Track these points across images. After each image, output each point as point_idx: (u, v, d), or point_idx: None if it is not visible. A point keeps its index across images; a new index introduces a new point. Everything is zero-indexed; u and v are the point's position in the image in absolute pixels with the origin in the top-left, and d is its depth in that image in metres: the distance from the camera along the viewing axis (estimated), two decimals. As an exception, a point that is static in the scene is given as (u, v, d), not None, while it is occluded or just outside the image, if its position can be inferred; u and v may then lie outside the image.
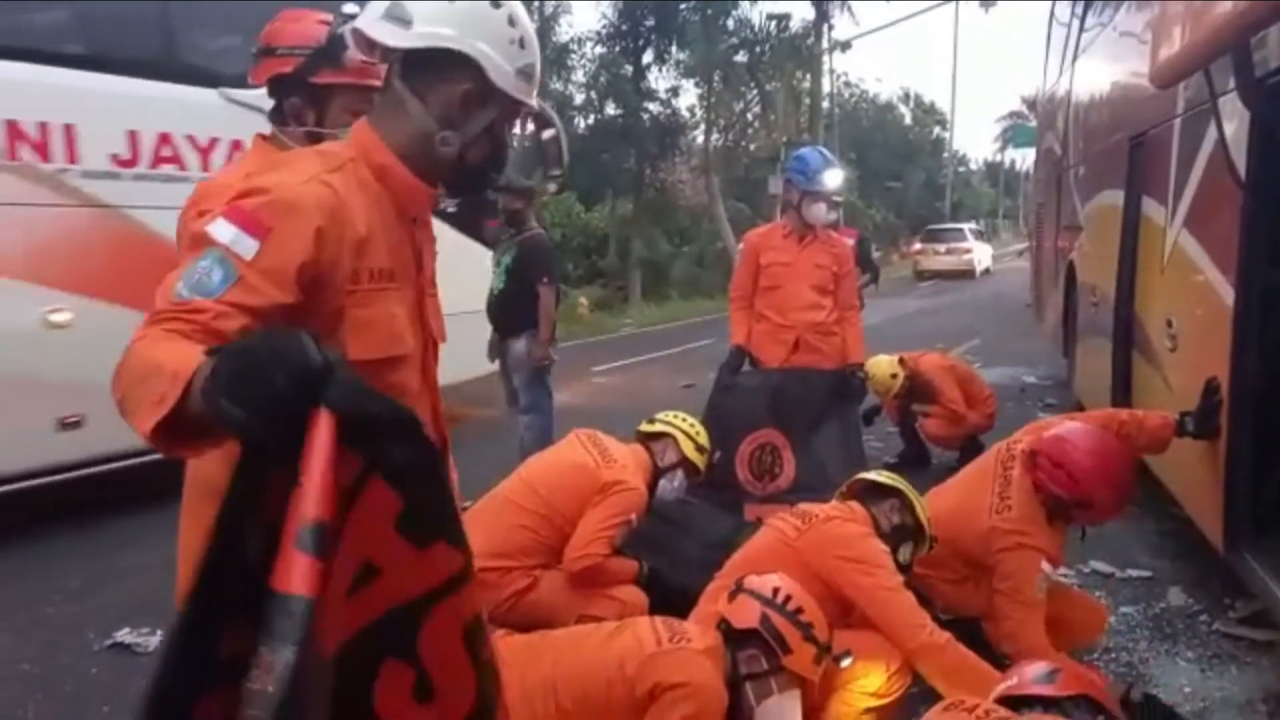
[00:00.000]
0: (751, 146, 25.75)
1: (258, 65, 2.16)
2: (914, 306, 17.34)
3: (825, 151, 4.72)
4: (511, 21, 1.40)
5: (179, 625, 0.96)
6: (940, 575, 3.03)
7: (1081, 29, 6.73)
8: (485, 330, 5.21)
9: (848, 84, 37.13)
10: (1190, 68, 2.69)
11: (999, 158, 56.64)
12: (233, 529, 0.98)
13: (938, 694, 2.36)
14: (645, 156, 21.66)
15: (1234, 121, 2.93)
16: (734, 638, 2.30)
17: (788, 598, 2.32)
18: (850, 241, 5.91)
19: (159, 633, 3.50)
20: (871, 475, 2.98)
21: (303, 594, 0.91)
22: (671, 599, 2.92)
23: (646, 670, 2.15)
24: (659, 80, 22.23)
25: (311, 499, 0.94)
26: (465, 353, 5.10)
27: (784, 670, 2.25)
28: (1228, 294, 2.97)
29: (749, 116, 25.12)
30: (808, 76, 24.84)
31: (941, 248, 26.31)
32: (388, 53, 1.40)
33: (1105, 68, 5.64)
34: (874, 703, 2.45)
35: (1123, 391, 4.61)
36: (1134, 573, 3.92)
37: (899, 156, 39.09)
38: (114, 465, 4.68)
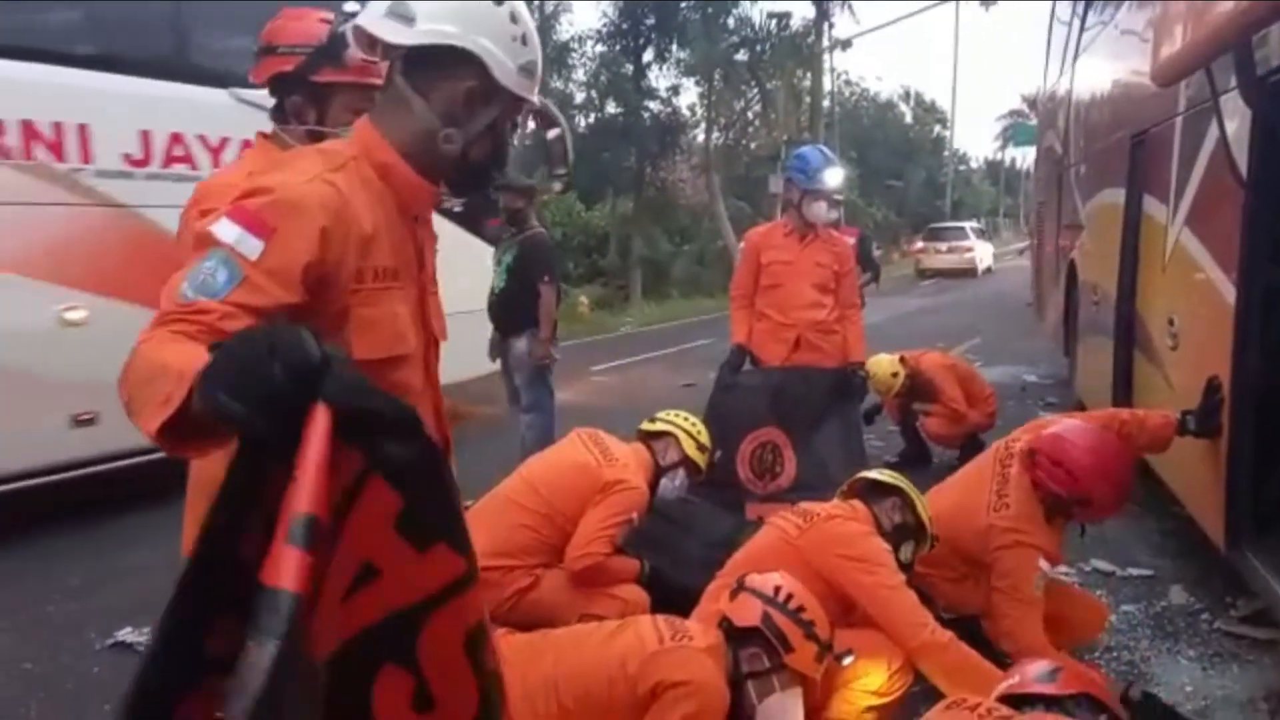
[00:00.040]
0: (752, 145, 25.75)
1: (259, 63, 2.16)
2: (915, 305, 17.33)
3: (826, 150, 4.72)
4: (514, 18, 1.40)
5: (166, 619, 0.94)
6: (939, 574, 3.03)
7: (1082, 28, 6.73)
8: (486, 329, 5.21)
9: (848, 82, 37.17)
10: (1192, 66, 2.69)
11: (999, 156, 56.66)
12: (227, 525, 0.97)
13: (939, 693, 2.36)
14: (646, 155, 21.67)
15: (1235, 120, 2.93)
16: (736, 636, 2.30)
17: (789, 596, 2.32)
18: (851, 240, 5.91)
19: (160, 632, 3.50)
20: (873, 474, 2.98)
21: (290, 589, 0.90)
22: (673, 598, 2.91)
23: (648, 669, 2.15)
24: (659, 79, 22.27)
25: (304, 493, 0.93)
26: (466, 352, 5.12)
27: (786, 668, 2.25)
28: (1229, 292, 2.97)
29: (749, 115, 25.12)
30: (808, 75, 24.82)
31: (943, 246, 26.37)
32: (389, 50, 1.39)
33: (1106, 66, 5.64)
34: (876, 701, 2.45)
35: (1124, 390, 4.61)
36: (1135, 571, 3.92)
37: (899, 155, 39.07)
38: (121, 463, 4.71)
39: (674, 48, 21.11)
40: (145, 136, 4.81)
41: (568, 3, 23.12)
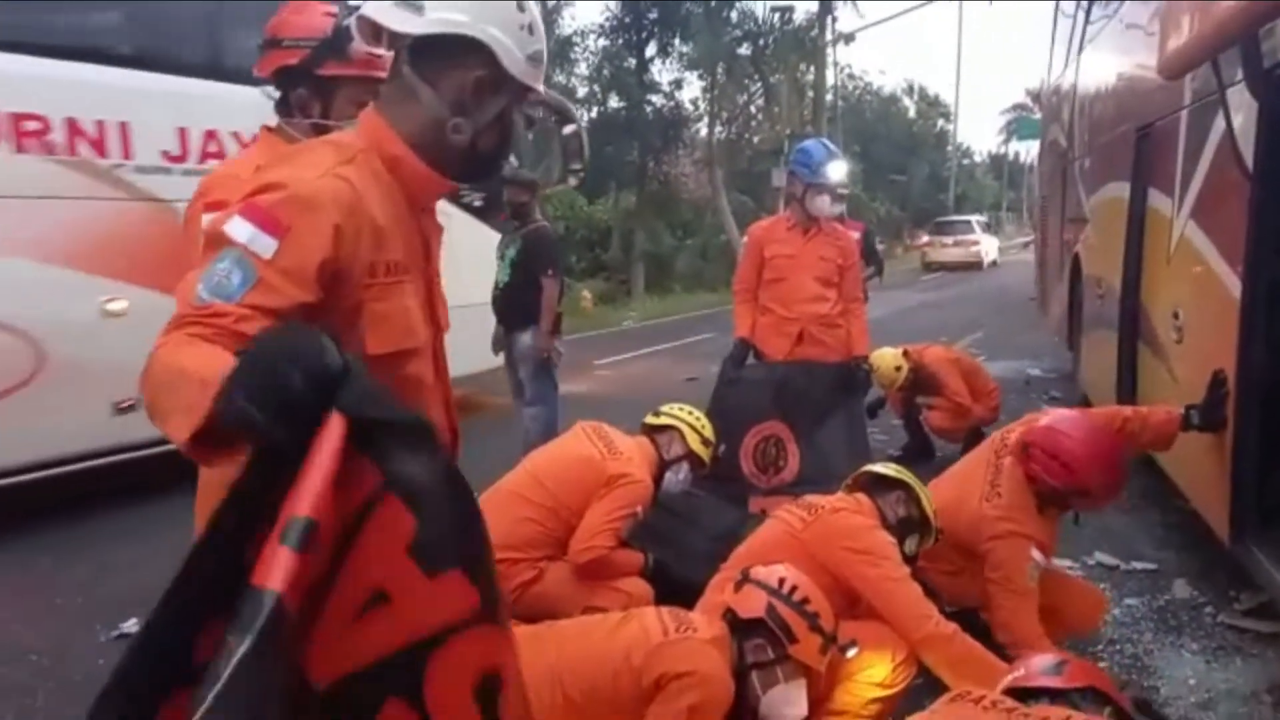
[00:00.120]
0: (755, 139, 25.69)
1: (264, 57, 2.17)
2: (918, 299, 17.31)
3: (829, 144, 4.71)
4: (521, 7, 1.40)
5: (156, 617, 0.93)
6: (937, 567, 3.03)
7: (1087, 21, 6.70)
8: (491, 322, 5.22)
9: (851, 76, 36.99)
10: (1198, 59, 2.68)
11: (1003, 150, 56.51)
12: (233, 530, 0.96)
13: (943, 685, 2.37)
14: (648, 149, 21.64)
15: (1242, 112, 2.92)
16: (740, 627, 2.30)
17: (794, 588, 2.32)
18: (855, 234, 5.90)
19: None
20: (877, 467, 2.99)
21: (274, 588, 0.89)
22: (677, 591, 2.92)
23: (653, 660, 2.15)
24: (662, 73, 22.24)
25: (306, 496, 0.93)
26: (480, 344, 5.19)
27: (790, 660, 2.26)
28: (1234, 286, 2.96)
29: (752, 109, 25.08)
30: (811, 69, 24.74)
31: (949, 240, 26.58)
32: (395, 40, 1.39)
33: (1111, 59, 5.62)
34: (880, 693, 2.45)
35: (1128, 384, 4.60)
36: (1139, 565, 3.92)
37: (903, 149, 38.95)
38: (156, 450, 4.75)
39: (677, 42, 21.08)
40: (182, 134, 5.00)
41: (571, -3, 23.11)
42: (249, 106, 2.21)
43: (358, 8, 1.52)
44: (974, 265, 25.52)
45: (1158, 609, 3.52)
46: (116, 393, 4.61)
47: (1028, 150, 39.09)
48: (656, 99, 22.06)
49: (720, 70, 21.81)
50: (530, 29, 1.40)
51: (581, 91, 22.30)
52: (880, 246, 9.94)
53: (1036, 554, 2.80)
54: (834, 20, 23.96)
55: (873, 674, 2.46)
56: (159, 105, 4.91)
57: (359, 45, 1.91)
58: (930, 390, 5.55)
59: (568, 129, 1.65)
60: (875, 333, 5.02)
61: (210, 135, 5.06)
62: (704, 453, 3.39)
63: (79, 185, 4.65)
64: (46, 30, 4.60)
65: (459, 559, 1.05)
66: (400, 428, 1.03)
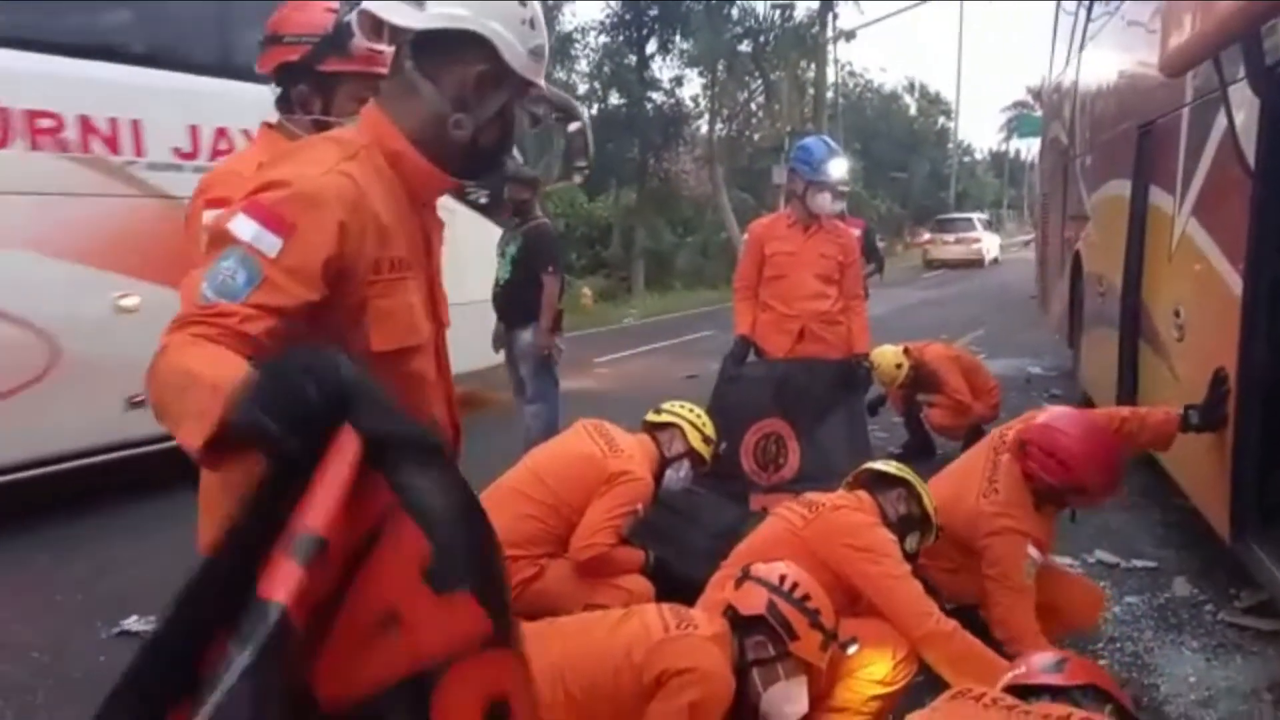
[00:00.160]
0: (756, 136, 25.66)
1: (265, 53, 2.16)
2: (919, 297, 17.31)
3: (830, 141, 4.70)
4: (522, 2, 1.39)
5: (165, 624, 0.93)
6: (936, 564, 3.03)
7: (1088, 18, 6.69)
8: (492, 319, 5.22)
9: (852, 74, 36.94)
10: (1200, 56, 2.68)
11: (1004, 148, 56.53)
12: (247, 539, 0.95)
13: (944, 682, 2.37)
14: (649, 146, 21.62)
15: (1243, 110, 2.91)
16: (741, 624, 2.30)
17: (794, 585, 2.32)
18: (856, 232, 5.90)
19: (166, 621, 3.51)
20: (878, 465, 2.99)
21: (279, 601, 0.89)
22: (678, 588, 2.91)
23: (654, 657, 2.15)
24: (663, 70, 22.22)
25: (317, 511, 0.93)
26: (472, 341, 5.18)
27: (791, 657, 2.26)
28: (1236, 283, 2.96)
29: (753, 106, 25.06)
30: (812, 66, 24.73)
31: (951, 237, 26.70)
32: (397, 35, 1.38)
33: (1113, 56, 5.61)
34: (880, 690, 2.45)
35: (1129, 382, 4.60)
36: (1139, 563, 3.92)
37: (903, 147, 38.93)
38: (131, 452, 4.86)
39: (677, 38, 21.05)
40: (193, 131, 5.04)
41: (571, -6, 23.08)
42: (259, 104, 2.23)
43: (359, 3, 1.52)
44: (975, 262, 25.58)
45: (1158, 607, 3.52)
46: (129, 388, 4.60)
47: (1028, 148, 39.19)
48: (657, 96, 22.04)
49: (721, 67, 21.79)
50: (532, 24, 1.40)
51: (582, 88, 22.28)
52: (881, 244, 9.95)
53: (1033, 551, 2.80)
54: (835, 17, 23.98)
55: (873, 671, 2.46)
56: (170, 103, 4.97)
57: (360, 41, 1.91)
58: (931, 388, 5.55)
59: (573, 126, 1.65)
60: (876, 330, 5.02)
61: (221, 133, 5.11)
62: (705, 450, 3.39)
63: (92, 182, 4.70)
64: (60, 28, 4.64)
65: (470, 581, 1.04)
66: (413, 445, 1.03)
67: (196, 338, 1.11)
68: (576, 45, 21.72)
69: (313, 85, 2.09)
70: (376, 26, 1.39)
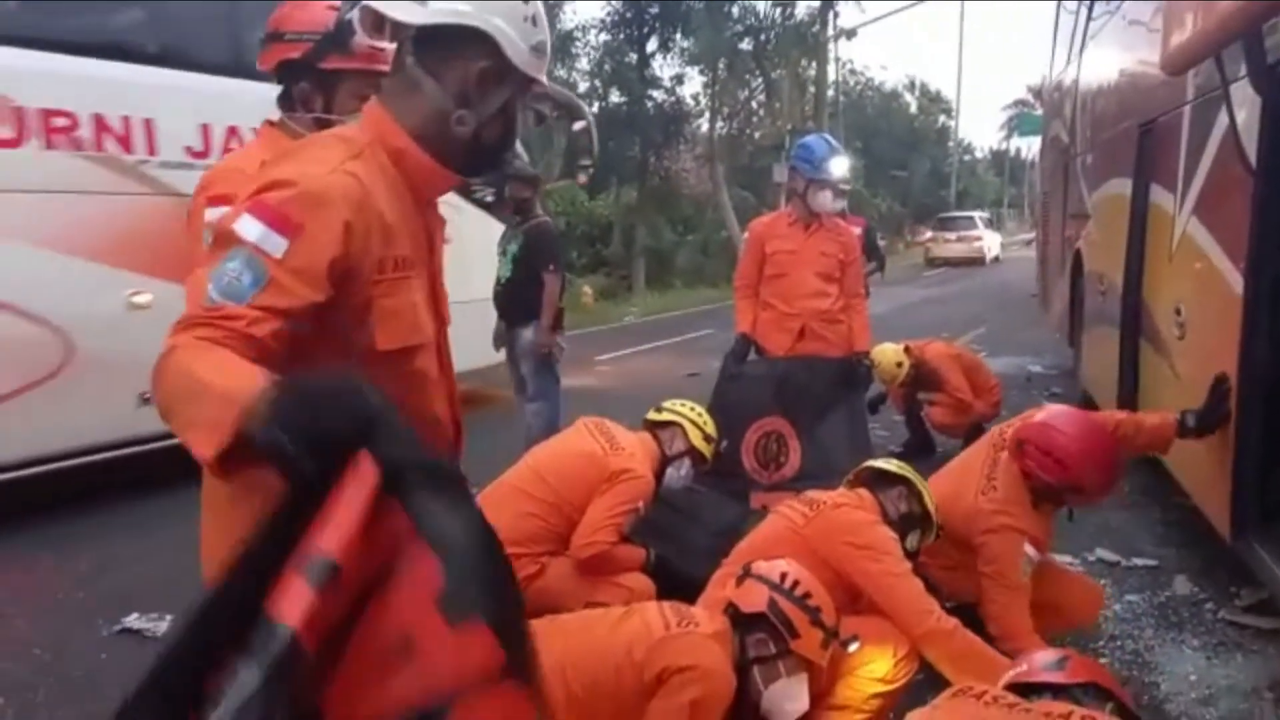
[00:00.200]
0: (756, 134, 25.66)
1: (266, 50, 2.16)
2: (920, 295, 17.30)
3: (831, 139, 4.70)
4: None
5: (171, 646, 0.93)
6: (935, 562, 3.03)
7: (1089, 17, 6.69)
8: (494, 317, 5.22)
9: (853, 72, 36.97)
10: (1202, 54, 2.67)
11: (1004, 146, 56.52)
12: (258, 563, 0.96)
13: (945, 680, 2.37)
14: (650, 144, 21.61)
15: (1245, 108, 2.91)
16: (742, 622, 2.30)
17: (795, 583, 2.32)
18: (857, 230, 5.90)
19: (167, 618, 3.52)
20: (879, 463, 2.99)
21: (290, 624, 0.89)
22: (679, 586, 2.92)
23: (655, 655, 2.15)
24: (663, 68, 22.28)
25: (332, 535, 0.93)
26: (472, 340, 5.19)
27: (791, 654, 2.26)
28: (1237, 282, 2.96)
29: (754, 104, 25.06)
30: (813, 64, 24.73)
31: (952, 235, 26.85)
32: (399, 31, 1.38)
33: (1114, 55, 5.60)
34: (881, 688, 2.45)
35: (1130, 380, 4.60)
36: (1139, 561, 3.92)
37: (904, 145, 38.92)
38: (136, 449, 4.92)
39: (678, 37, 21.04)
40: (205, 130, 5.10)
41: (572, -9, 23.05)
42: (270, 103, 2.26)
43: (361, 1, 1.52)
44: (977, 260, 25.70)
45: (1158, 605, 3.52)
46: (141, 385, 4.63)
47: (1029, 146, 39.19)
48: (658, 94, 22.02)
49: (722, 65, 21.77)
50: (534, 20, 1.40)
51: (583, 86, 22.27)
52: (881, 242, 9.94)
53: (1030, 549, 2.81)
54: (835, 16, 23.97)
55: (874, 669, 2.47)
56: (182, 102, 5.02)
57: (361, 39, 1.91)
58: (931, 386, 5.55)
59: (578, 125, 1.64)
60: (877, 328, 5.02)
61: (232, 131, 5.15)
62: (706, 449, 3.39)
63: (105, 181, 4.76)
64: (74, 28, 4.69)
65: (484, 611, 1.02)
66: (431, 474, 1.03)
67: (203, 341, 1.11)
68: (577, 43, 21.73)
69: (314, 83, 2.09)
70: (378, 23, 1.39)
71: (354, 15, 2.05)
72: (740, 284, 4.64)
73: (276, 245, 1.19)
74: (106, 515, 4.81)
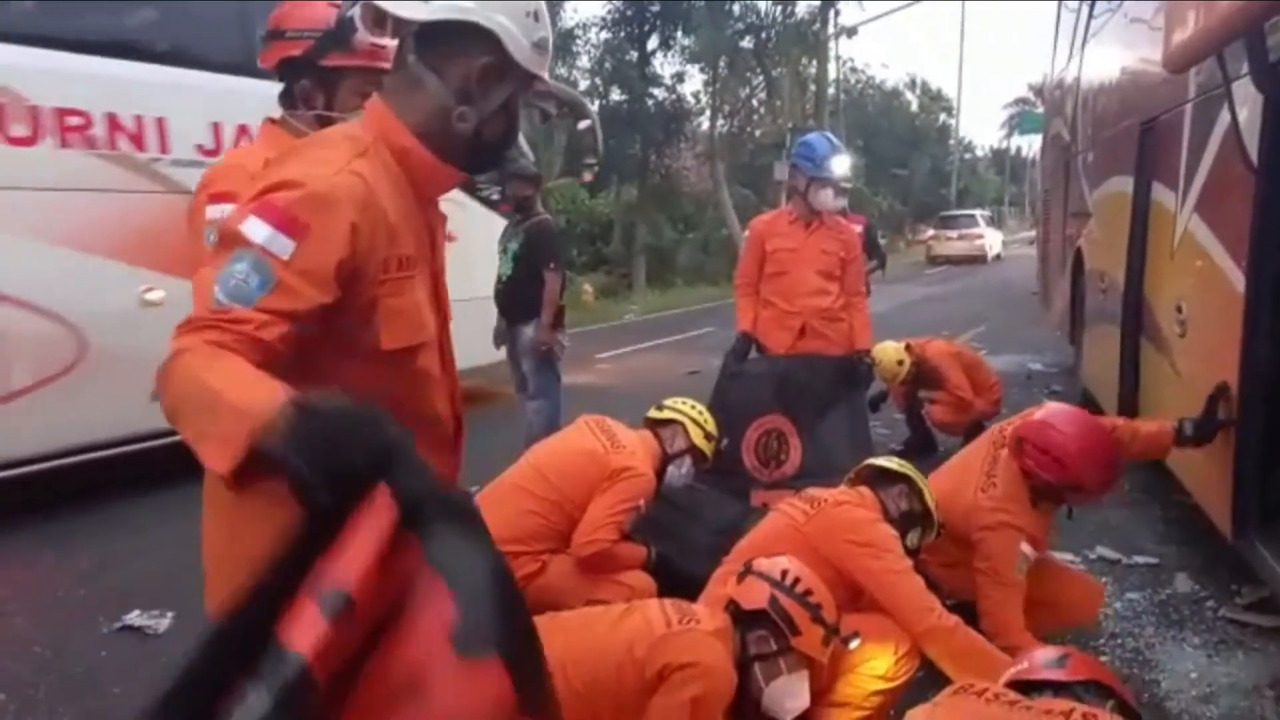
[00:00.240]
0: (757, 133, 25.66)
1: (267, 48, 2.16)
2: (920, 294, 17.30)
3: (832, 137, 4.70)
4: None
5: (183, 670, 0.93)
6: (934, 559, 3.03)
7: (1091, 15, 6.68)
8: (493, 316, 5.22)
9: (854, 70, 36.96)
10: (1204, 52, 2.66)
11: (1005, 144, 56.49)
12: (272, 588, 0.96)
13: (946, 678, 2.37)
14: (650, 143, 21.61)
15: (1247, 106, 2.90)
16: (743, 619, 2.30)
17: (796, 580, 2.32)
18: (858, 228, 5.89)
19: (168, 615, 3.52)
20: (880, 461, 2.99)
21: (301, 653, 0.89)
22: (679, 584, 2.92)
23: (656, 652, 2.15)
24: (664, 66, 22.27)
25: (349, 568, 0.93)
26: (474, 339, 5.21)
27: (792, 651, 2.26)
28: (1238, 280, 2.95)
29: (754, 102, 25.05)
30: (814, 62, 24.72)
31: (954, 234, 26.96)
32: (400, 27, 1.38)
33: (1115, 52, 5.60)
34: (882, 685, 2.45)
35: (1130, 378, 4.60)
36: (1140, 559, 3.92)
37: (905, 143, 38.93)
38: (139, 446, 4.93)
39: (679, 35, 21.04)
40: (216, 128, 5.14)
41: (572, -11, 23.05)
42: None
43: (360, -1, 1.52)
44: (978, 258, 25.82)
45: (1159, 603, 3.52)
46: (153, 381, 4.69)
47: (1030, 145, 39.15)
48: (658, 92, 22.03)
49: (722, 64, 21.77)
50: (536, 16, 1.39)
51: (583, 84, 22.27)
52: (882, 240, 9.94)
53: (1026, 548, 2.81)
54: (836, 14, 23.96)
55: (875, 666, 2.46)
56: (194, 100, 5.06)
57: (363, 36, 1.90)
58: (932, 384, 5.55)
59: (583, 124, 1.64)
60: (878, 327, 5.02)
61: (242, 130, 5.17)
62: (707, 447, 3.39)
63: (118, 178, 4.81)
64: (87, 28, 4.75)
65: (499, 647, 1.01)
66: (448, 509, 1.03)
67: (213, 346, 1.11)
68: (578, 41, 21.74)
69: (315, 80, 2.09)
70: (380, 20, 1.39)
71: (355, 12, 2.05)
72: (741, 282, 4.64)
73: (284, 247, 1.18)
74: (107, 512, 4.81)
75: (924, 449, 5.56)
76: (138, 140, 4.88)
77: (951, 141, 44.12)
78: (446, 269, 1.52)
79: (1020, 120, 42.57)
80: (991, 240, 27.47)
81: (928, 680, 2.48)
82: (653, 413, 3.45)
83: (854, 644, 2.45)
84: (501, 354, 5.35)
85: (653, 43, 21.43)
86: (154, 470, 4.64)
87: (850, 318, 4.53)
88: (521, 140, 7.41)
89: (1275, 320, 2.92)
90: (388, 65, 1.55)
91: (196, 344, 1.12)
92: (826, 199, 4.39)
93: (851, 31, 24.83)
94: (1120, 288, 4.74)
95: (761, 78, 23.39)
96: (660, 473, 3.26)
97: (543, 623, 2.40)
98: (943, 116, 45.34)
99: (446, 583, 0.99)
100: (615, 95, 22.09)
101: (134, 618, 3.54)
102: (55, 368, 4.63)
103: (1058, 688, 1.73)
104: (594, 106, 21.79)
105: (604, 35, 21.64)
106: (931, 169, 41.16)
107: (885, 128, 38.12)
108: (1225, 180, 3.22)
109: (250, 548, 1.18)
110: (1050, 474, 2.82)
